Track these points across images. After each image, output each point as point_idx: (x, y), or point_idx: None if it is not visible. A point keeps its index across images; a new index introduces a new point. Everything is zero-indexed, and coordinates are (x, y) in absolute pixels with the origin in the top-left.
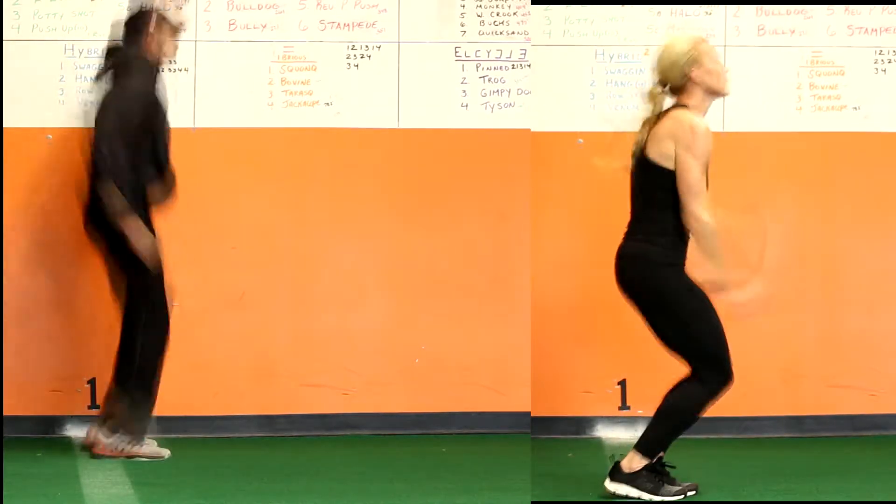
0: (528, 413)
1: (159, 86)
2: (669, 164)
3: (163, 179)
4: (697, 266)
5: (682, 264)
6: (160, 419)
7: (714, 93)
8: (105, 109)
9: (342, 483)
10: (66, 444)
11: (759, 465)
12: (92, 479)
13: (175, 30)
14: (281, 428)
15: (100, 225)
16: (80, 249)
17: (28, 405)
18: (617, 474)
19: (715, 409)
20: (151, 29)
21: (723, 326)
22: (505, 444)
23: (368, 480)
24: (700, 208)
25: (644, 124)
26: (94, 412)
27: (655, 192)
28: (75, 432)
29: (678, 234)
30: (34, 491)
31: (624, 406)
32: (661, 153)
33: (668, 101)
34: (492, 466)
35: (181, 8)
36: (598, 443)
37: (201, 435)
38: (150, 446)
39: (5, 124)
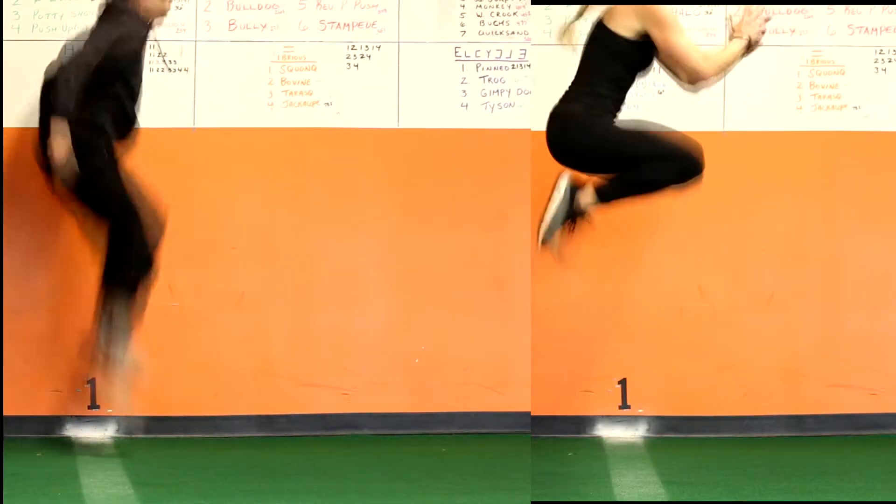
0: (528, 413)
1: (142, 37)
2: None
3: (127, 133)
4: None
5: None
6: (160, 419)
7: None
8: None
9: (342, 483)
10: (66, 444)
11: (759, 464)
12: (92, 479)
13: None
14: (281, 428)
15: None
16: (81, 249)
17: (28, 405)
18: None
19: (715, 409)
20: None
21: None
22: (505, 444)
23: (368, 480)
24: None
25: None
26: (95, 412)
27: None
28: (75, 432)
29: None
30: (34, 491)
31: (624, 405)
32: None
33: None
34: (492, 466)
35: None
36: (599, 442)
37: (201, 435)
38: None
39: (5, 124)
